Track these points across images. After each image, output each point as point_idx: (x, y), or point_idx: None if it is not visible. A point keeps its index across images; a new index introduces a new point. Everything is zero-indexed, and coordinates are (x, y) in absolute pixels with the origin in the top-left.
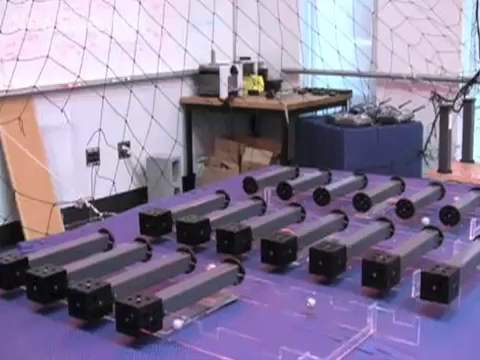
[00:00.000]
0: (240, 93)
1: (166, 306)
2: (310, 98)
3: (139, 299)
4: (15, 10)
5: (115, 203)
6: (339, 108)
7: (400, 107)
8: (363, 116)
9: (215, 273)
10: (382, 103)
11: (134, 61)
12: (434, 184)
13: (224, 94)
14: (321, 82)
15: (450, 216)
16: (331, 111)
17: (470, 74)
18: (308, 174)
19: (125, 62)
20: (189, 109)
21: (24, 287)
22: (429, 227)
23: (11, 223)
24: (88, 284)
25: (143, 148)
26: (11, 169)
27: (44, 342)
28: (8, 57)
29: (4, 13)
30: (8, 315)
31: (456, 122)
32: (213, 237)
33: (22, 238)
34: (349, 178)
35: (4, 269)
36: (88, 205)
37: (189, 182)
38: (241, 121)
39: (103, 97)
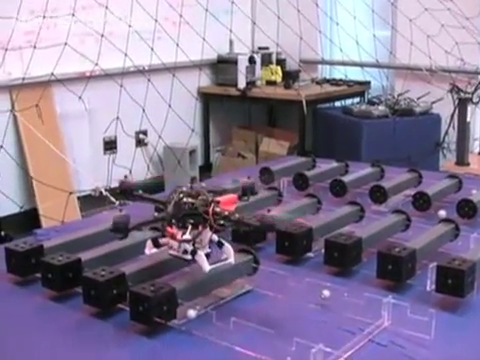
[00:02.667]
0: (258, 83)
1: (180, 295)
2: (328, 89)
3: (153, 288)
4: None
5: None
6: (357, 99)
7: (418, 99)
8: (381, 107)
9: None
10: (400, 94)
11: (152, 49)
12: (451, 177)
13: (242, 84)
14: (339, 73)
15: (467, 209)
16: (349, 102)
17: None
18: (325, 165)
19: (143, 50)
20: (207, 98)
21: (39, 274)
22: (446, 220)
23: (28, 210)
24: (103, 272)
25: (160, 137)
26: (28, 156)
27: (58, 329)
28: (26, 45)
29: (22, 1)
30: (23, 302)
31: (475, 115)
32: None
33: (38, 225)
34: (366, 170)
35: (19, 256)
36: (105, 193)
37: (206, 171)
38: (258, 111)
39: (121, 85)
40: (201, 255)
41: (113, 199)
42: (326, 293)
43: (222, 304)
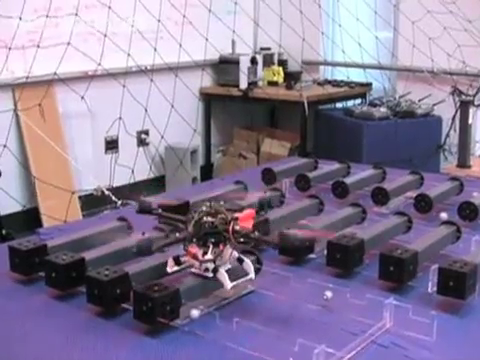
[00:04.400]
0: (260, 84)
1: (183, 296)
2: (330, 90)
3: (157, 288)
4: None
5: (133, 191)
6: (358, 100)
7: (420, 101)
8: (382, 109)
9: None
10: (402, 96)
11: (155, 50)
12: (453, 179)
13: (244, 84)
14: (341, 74)
15: (468, 212)
16: (350, 103)
17: None
18: (327, 166)
19: (146, 50)
20: (209, 99)
21: (43, 273)
22: (447, 222)
23: (29, 209)
24: (106, 272)
25: (162, 137)
26: (31, 155)
27: (61, 328)
28: (29, 44)
29: (25, 0)
30: (26, 300)
31: (476, 117)
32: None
33: (40, 224)
34: (368, 171)
35: (23, 255)
36: (106, 193)
37: (207, 171)
38: (260, 112)
39: (123, 85)
40: (222, 273)
41: (115, 198)
42: (329, 294)
43: (225, 304)
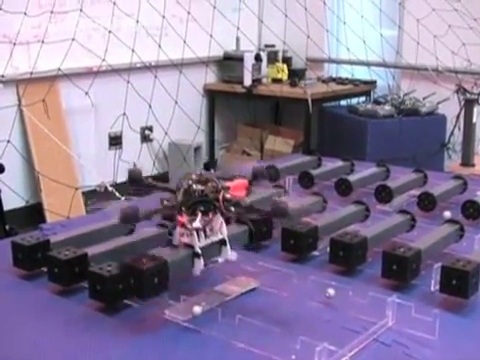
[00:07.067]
0: (264, 81)
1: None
2: (334, 87)
3: (145, 260)
4: None
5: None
6: (363, 98)
7: (424, 99)
8: (387, 107)
9: None
10: (406, 94)
11: (159, 46)
12: (457, 178)
13: (248, 81)
14: (346, 71)
15: (472, 210)
16: (355, 101)
17: None
18: (330, 164)
19: (150, 47)
20: (213, 95)
21: (45, 268)
22: (451, 221)
23: (33, 204)
24: (109, 267)
25: (166, 133)
26: (34, 151)
27: (63, 323)
28: (34, 39)
29: None
30: (29, 295)
31: None
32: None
33: (43, 220)
34: (371, 169)
35: (26, 250)
36: (110, 189)
37: (211, 168)
38: (264, 109)
39: (128, 81)
40: (199, 261)
41: (118, 194)
42: (331, 292)
43: (228, 301)
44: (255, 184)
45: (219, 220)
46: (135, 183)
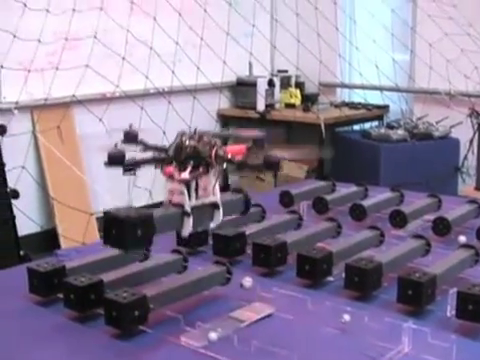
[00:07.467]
0: (277, 106)
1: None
2: (347, 112)
3: (126, 295)
4: (56, 20)
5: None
6: (376, 123)
7: (437, 123)
8: (400, 131)
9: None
10: (419, 118)
11: (173, 72)
12: (471, 202)
13: (261, 106)
14: (358, 96)
15: None
16: (368, 126)
17: None
18: (344, 189)
19: (164, 73)
20: (226, 120)
21: (61, 295)
22: (466, 246)
23: (47, 230)
24: (124, 294)
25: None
26: (49, 177)
27: (79, 350)
28: (48, 66)
29: (44, 23)
30: (45, 321)
31: None
32: (249, 250)
33: (57, 245)
34: (385, 194)
35: (42, 276)
36: None
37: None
38: (277, 134)
39: (142, 107)
40: (188, 221)
41: None
42: (347, 317)
43: (243, 327)
44: (253, 151)
45: (212, 181)
46: (130, 142)
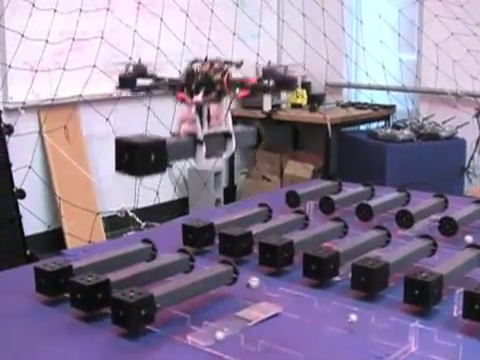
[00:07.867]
0: (283, 106)
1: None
2: (353, 112)
3: (132, 294)
4: (63, 20)
5: (156, 212)
6: (382, 123)
7: (444, 123)
8: (406, 131)
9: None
10: (426, 119)
11: (179, 72)
12: (478, 202)
13: (267, 107)
14: (365, 96)
15: None
16: (374, 126)
17: None
18: (351, 189)
19: (170, 73)
20: (232, 121)
21: (68, 294)
22: (472, 245)
23: (54, 229)
24: (131, 293)
25: (186, 159)
26: (55, 176)
27: (86, 349)
28: (55, 66)
29: (52, 23)
30: (52, 321)
31: None
32: (255, 250)
33: (64, 244)
34: (392, 194)
35: (49, 276)
36: (131, 214)
37: (230, 193)
38: (284, 134)
39: (148, 108)
40: (201, 149)
41: (139, 220)
42: (353, 317)
43: (250, 327)
44: (264, 84)
45: (224, 110)
46: (141, 76)
